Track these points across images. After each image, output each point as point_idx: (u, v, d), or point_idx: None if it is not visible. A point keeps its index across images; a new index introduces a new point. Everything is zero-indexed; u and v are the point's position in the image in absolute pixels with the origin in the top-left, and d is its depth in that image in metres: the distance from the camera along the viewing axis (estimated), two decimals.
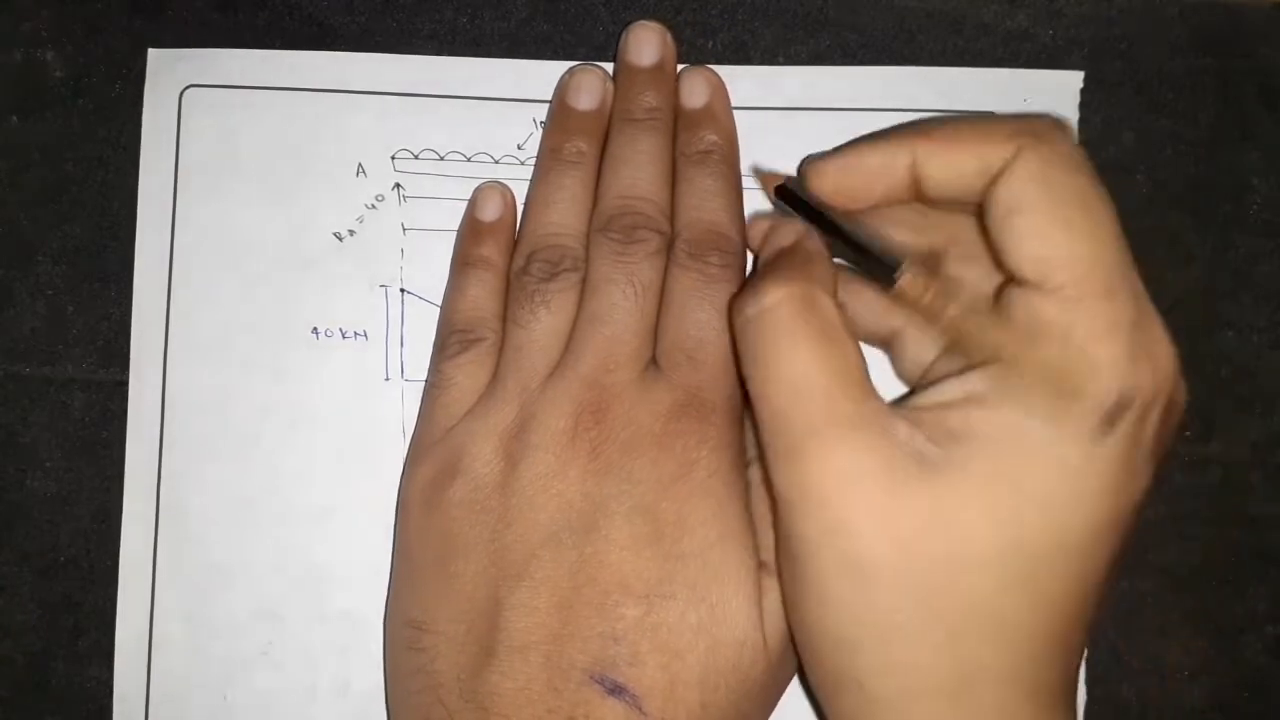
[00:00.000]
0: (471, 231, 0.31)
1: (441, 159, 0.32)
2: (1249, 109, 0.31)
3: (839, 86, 0.31)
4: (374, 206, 0.32)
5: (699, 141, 0.30)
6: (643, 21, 0.31)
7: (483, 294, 0.30)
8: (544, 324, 0.28)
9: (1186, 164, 0.31)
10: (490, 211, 0.31)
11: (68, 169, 0.32)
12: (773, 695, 0.28)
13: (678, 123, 0.30)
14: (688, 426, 0.27)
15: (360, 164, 0.32)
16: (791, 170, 0.29)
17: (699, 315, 0.28)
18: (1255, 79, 0.31)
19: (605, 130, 0.30)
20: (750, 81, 0.31)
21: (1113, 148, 0.31)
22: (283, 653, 0.31)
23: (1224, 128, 0.31)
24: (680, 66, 0.31)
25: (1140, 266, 0.31)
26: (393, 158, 0.32)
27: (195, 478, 0.31)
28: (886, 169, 0.26)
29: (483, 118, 0.32)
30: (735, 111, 0.31)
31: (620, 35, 0.31)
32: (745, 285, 0.28)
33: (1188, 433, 0.31)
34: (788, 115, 0.31)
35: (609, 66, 0.31)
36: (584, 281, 0.29)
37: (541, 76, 0.31)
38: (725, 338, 0.28)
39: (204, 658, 0.31)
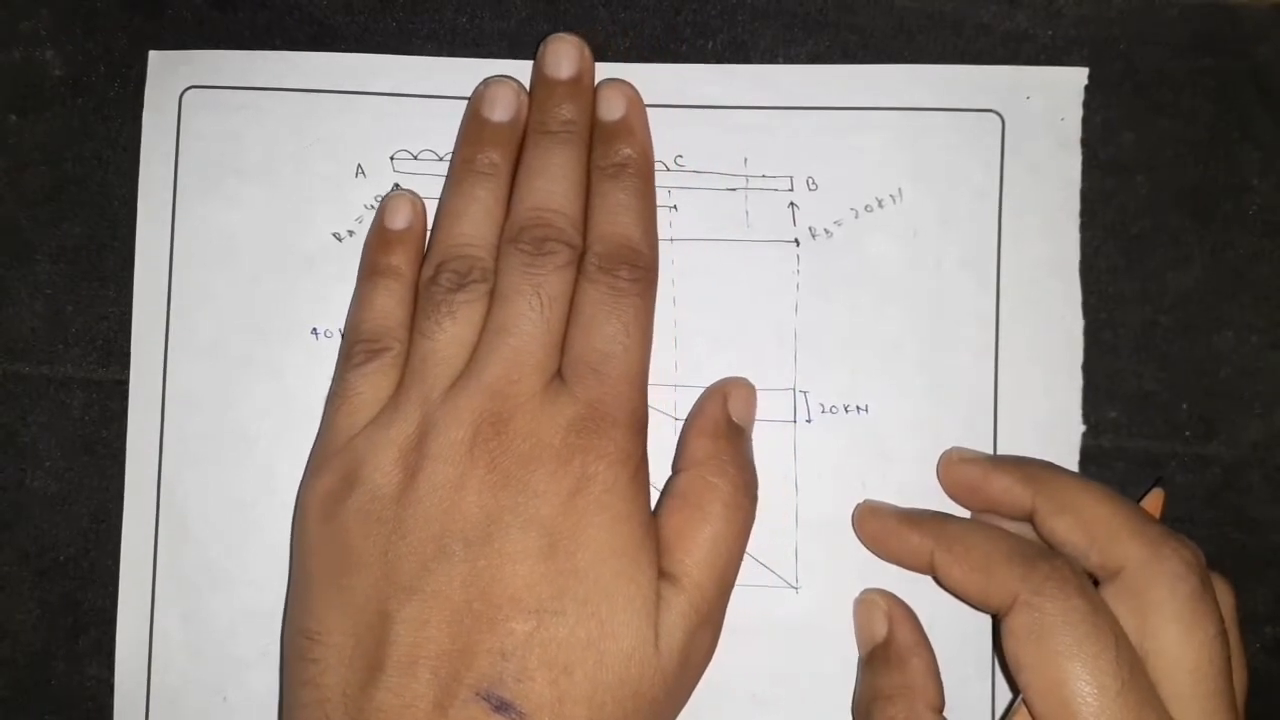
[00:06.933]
0: (380, 240, 0.30)
1: (440, 159, 0.32)
2: (1249, 109, 0.31)
3: (838, 86, 0.31)
4: (373, 207, 0.32)
5: (614, 155, 0.30)
6: (560, 34, 0.30)
7: (390, 303, 0.29)
8: (449, 334, 0.28)
9: (1186, 164, 0.31)
10: (400, 220, 0.30)
11: (67, 168, 0.32)
12: (668, 711, 0.27)
13: (594, 136, 0.30)
14: (588, 441, 0.26)
15: (359, 164, 0.32)
16: None
17: (606, 329, 0.28)
18: (1255, 79, 0.31)
19: (519, 142, 0.30)
20: (749, 80, 0.31)
21: (1113, 148, 0.31)
22: None
23: (1224, 128, 0.31)
24: (599, 79, 0.31)
25: (1140, 266, 0.31)
26: (392, 158, 0.32)
27: (195, 477, 0.31)
28: (914, 555, 0.29)
29: None
30: (732, 111, 0.31)
31: (538, 46, 0.31)
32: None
33: (1188, 433, 0.31)
34: (787, 115, 0.31)
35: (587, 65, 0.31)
36: (493, 293, 0.28)
37: None
38: (632, 353, 0.28)
39: (204, 657, 0.31)
